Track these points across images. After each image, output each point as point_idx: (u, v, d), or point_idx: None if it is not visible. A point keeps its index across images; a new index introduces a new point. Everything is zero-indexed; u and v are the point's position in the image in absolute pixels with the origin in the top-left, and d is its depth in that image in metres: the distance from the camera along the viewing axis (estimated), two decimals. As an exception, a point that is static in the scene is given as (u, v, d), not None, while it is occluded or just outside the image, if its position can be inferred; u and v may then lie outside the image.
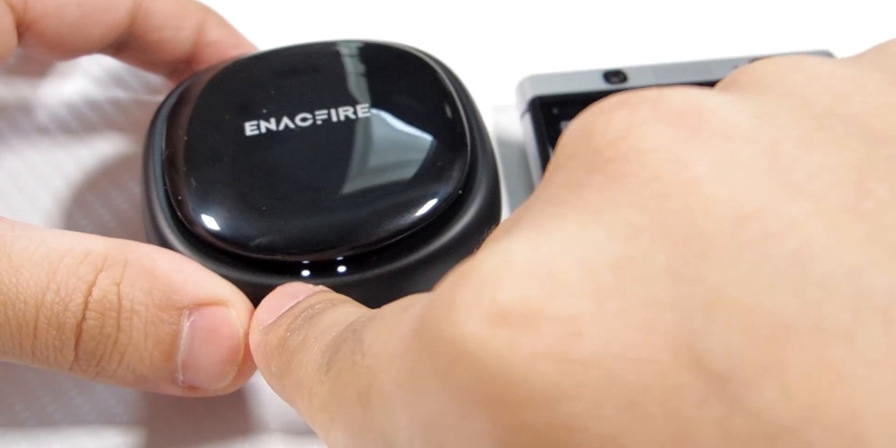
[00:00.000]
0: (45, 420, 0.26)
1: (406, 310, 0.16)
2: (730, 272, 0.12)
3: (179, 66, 0.31)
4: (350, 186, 0.25)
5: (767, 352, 0.11)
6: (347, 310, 0.21)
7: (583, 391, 0.12)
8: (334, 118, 0.26)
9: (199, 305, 0.23)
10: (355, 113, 0.26)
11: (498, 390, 0.12)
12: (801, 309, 0.11)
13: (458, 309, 0.13)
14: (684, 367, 0.12)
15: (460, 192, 0.25)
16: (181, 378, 0.23)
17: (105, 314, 0.22)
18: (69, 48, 0.28)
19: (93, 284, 0.22)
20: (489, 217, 0.26)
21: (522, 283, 0.13)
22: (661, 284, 0.12)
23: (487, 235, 0.26)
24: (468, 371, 0.13)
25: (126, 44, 0.29)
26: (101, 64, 0.35)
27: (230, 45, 0.30)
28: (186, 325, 0.22)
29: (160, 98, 0.33)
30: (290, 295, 0.23)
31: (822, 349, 0.11)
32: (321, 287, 0.23)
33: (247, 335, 0.23)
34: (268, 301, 0.23)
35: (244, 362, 0.23)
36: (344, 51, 0.29)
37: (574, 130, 0.15)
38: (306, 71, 0.28)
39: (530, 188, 0.31)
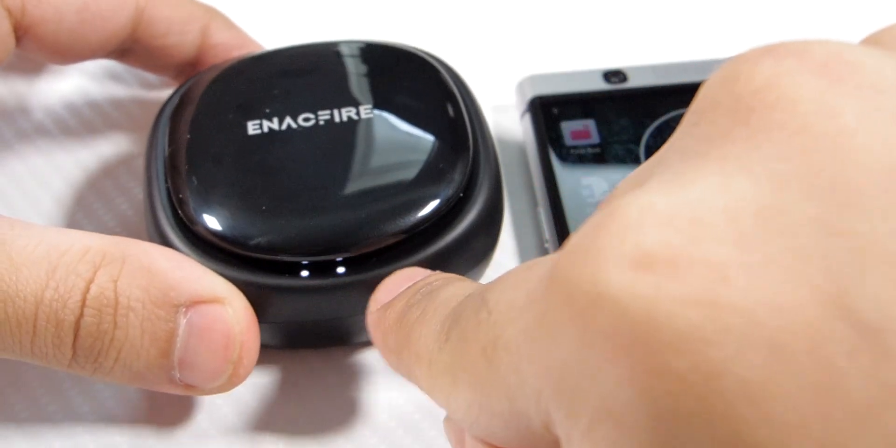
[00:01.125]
0: (44, 419, 0.26)
1: (531, 267, 0.16)
2: (882, 224, 0.12)
3: (185, 69, 0.31)
4: (351, 187, 0.25)
5: None
6: (465, 284, 0.20)
7: (728, 336, 0.12)
8: (337, 119, 0.26)
9: (195, 303, 0.23)
10: (358, 114, 0.26)
11: (641, 334, 0.12)
12: None
13: (598, 253, 0.13)
14: (835, 317, 0.12)
15: (461, 194, 0.25)
16: (178, 376, 0.23)
17: (102, 311, 0.22)
18: (68, 53, 0.28)
19: (91, 281, 0.22)
20: (490, 219, 0.26)
21: (666, 229, 0.13)
22: (809, 235, 0.12)
23: (489, 237, 0.26)
24: (610, 315, 0.13)
25: (130, 50, 0.29)
26: (100, 63, 0.35)
27: (235, 46, 0.30)
28: (183, 322, 0.23)
29: (161, 97, 0.33)
30: (407, 277, 0.22)
31: None
32: (437, 271, 0.23)
33: (242, 333, 0.23)
34: (385, 283, 0.23)
35: (239, 361, 0.23)
36: (347, 51, 0.29)
37: (716, 79, 0.15)
38: (309, 71, 0.28)
39: (530, 188, 0.31)
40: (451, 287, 0.20)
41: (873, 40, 0.16)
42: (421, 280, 0.22)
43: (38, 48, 0.27)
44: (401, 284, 0.22)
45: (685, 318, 0.12)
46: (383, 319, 0.21)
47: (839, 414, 0.11)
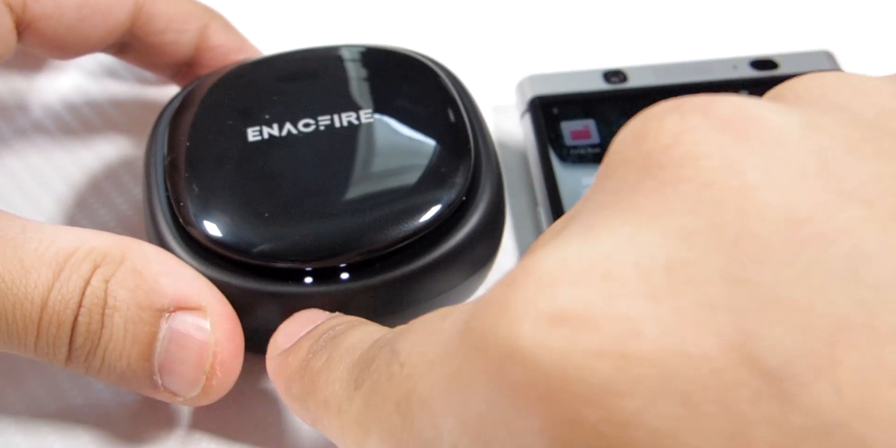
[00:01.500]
0: (44, 419, 0.26)
1: (444, 318, 0.16)
2: (784, 273, 0.12)
3: (182, 69, 0.31)
4: (353, 193, 0.25)
5: (821, 351, 0.12)
6: (369, 329, 0.21)
7: (640, 387, 0.12)
8: (337, 124, 0.26)
9: (177, 308, 0.23)
10: (358, 118, 0.26)
11: (555, 386, 0.13)
12: (854, 310, 0.12)
13: (513, 308, 0.14)
14: (739, 366, 0.12)
15: (464, 198, 0.25)
16: (159, 381, 0.23)
17: (93, 310, 0.22)
18: (68, 48, 0.28)
19: (89, 281, 0.22)
20: (493, 223, 0.26)
21: (578, 285, 0.13)
22: (715, 286, 0.13)
23: (491, 242, 0.26)
24: (523, 368, 0.13)
25: (128, 45, 0.30)
26: (100, 62, 0.35)
27: (233, 49, 0.30)
28: (165, 327, 0.22)
29: (161, 96, 0.33)
30: (308, 320, 0.23)
31: (875, 349, 0.11)
32: (337, 313, 0.23)
33: (217, 343, 0.23)
34: (284, 326, 0.23)
35: (212, 372, 0.23)
36: (347, 56, 0.29)
37: (625, 136, 0.16)
38: (309, 76, 0.28)
39: (531, 189, 0.31)
40: (356, 332, 0.20)
41: (775, 95, 0.16)
42: (323, 323, 0.22)
43: (38, 43, 0.28)
44: (301, 327, 0.22)
45: (597, 370, 0.12)
46: (285, 366, 0.21)
47: None
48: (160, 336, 0.22)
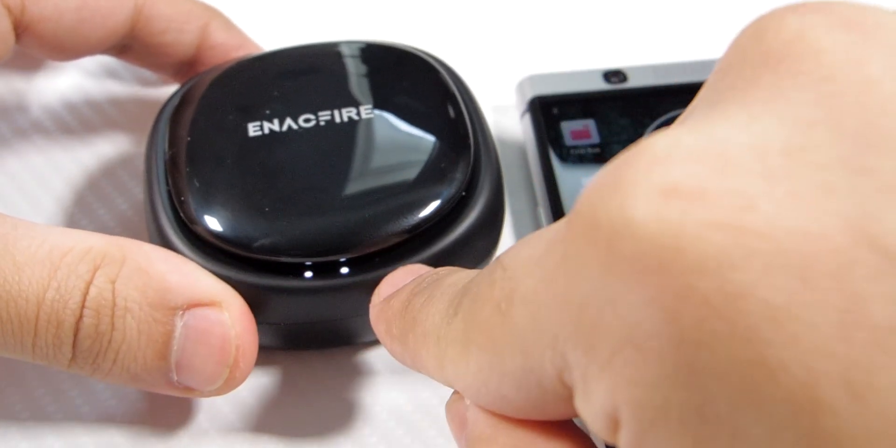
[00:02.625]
0: (44, 419, 0.26)
1: (546, 229, 0.16)
2: None
3: (183, 68, 0.31)
4: (353, 187, 0.25)
5: None
6: (472, 271, 0.20)
7: (754, 260, 0.12)
8: (337, 119, 0.26)
9: (192, 306, 0.23)
10: (358, 114, 0.26)
11: (666, 257, 0.13)
12: None
13: (624, 184, 0.13)
14: (858, 244, 0.12)
15: (463, 193, 0.25)
16: (175, 378, 0.23)
17: (100, 312, 0.22)
18: (67, 50, 0.28)
19: (90, 282, 0.22)
20: (492, 218, 0.26)
21: (693, 162, 0.13)
22: (834, 172, 0.13)
23: (490, 236, 0.26)
24: (635, 239, 0.13)
25: (128, 46, 0.29)
26: (100, 61, 0.35)
27: (234, 47, 0.30)
28: (180, 324, 0.23)
29: (161, 96, 0.33)
30: (411, 271, 0.22)
31: None
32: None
33: (238, 337, 0.23)
34: (388, 278, 0.23)
35: (236, 365, 0.23)
36: (347, 52, 0.29)
37: (743, 36, 0.16)
38: (309, 72, 0.28)
39: (530, 188, 0.31)
40: (458, 273, 0.20)
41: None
42: (426, 272, 0.22)
43: (37, 45, 0.28)
44: (405, 278, 0.22)
45: (711, 242, 0.12)
46: (387, 309, 0.21)
47: (861, 335, 0.12)
48: (176, 334, 0.22)
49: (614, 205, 0.13)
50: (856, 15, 0.15)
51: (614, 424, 0.14)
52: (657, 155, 0.14)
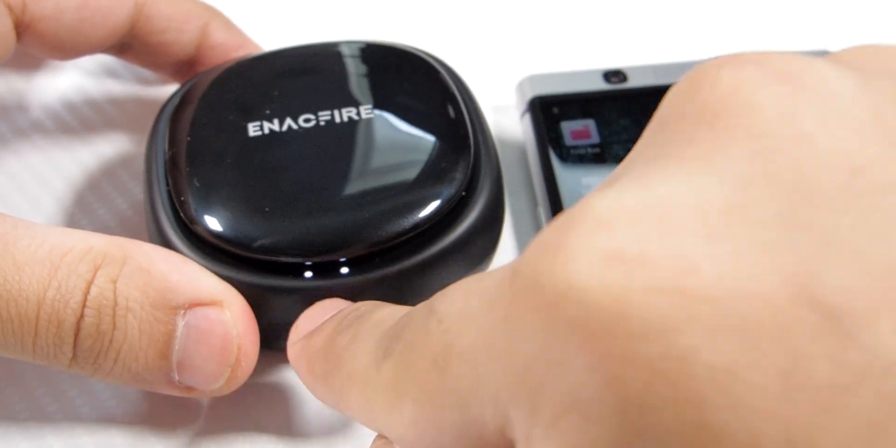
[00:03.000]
0: (44, 419, 0.26)
1: (483, 279, 0.16)
2: (842, 219, 0.13)
3: (183, 68, 0.31)
4: (353, 187, 0.25)
5: (882, 292, 0.12)
6: (396, 307, 0.20)
7: (697, 324, 0.12)
8: (337, 119, 0.26)
9: (193, 305, 0.23)
10: (358, 114, 0.26)
11: (611, 322, 0.13)
12: None
13: (569, 248, 0.13)
14: (799, 304, 0.12)
15: (463, 193, 0.25)
16: (177, 378, 0.23)
17: (101, 311, 0.22)
18: (68, 50, 0.28)
19: (91, 282, 0.22)
20: (492, 218, 0.26)
21: (636, 225, 0.13)
22: (773, 229, 0.13)
23: (490, 236, 0.26)
24: (578, 304, 0.13)
25: (128, 45, 0.30)
26: (99, 61, 0.35)
27: (234, 47, 0.30)
28: (181, 324, 0.23)
29: (160, 96, 0.33)
30: (331, 306, 0.22)
31: None
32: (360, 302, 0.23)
33: (240, 336, 0.23)
34: (307, 313, 0.23)
35: (237, 364, 0.23)
36: (347, 52, 0.29)
37: (679, 89, 0.16)
38: (309, 72, 0.28)
39: (530, 188, 0.31)
40: (382, 310, 0.20)
41: (833, 59, 0.17)
42: (346, 308, 0.22)
43: (38, 44, 0.28)
44: (324, 314, 0.22)
45: (655, 307, 0.12)
46: (308, 347, 0.21)
47: (804, 396, 0.12)
48: (177, 334, 0.22)
49: (557, 269, 0.13)
50: (790, 67, 0.15)
51: None
52: (600, 218, 0.14)
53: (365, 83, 0.28)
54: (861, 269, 0.12)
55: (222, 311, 0.23)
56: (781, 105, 0.14)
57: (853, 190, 0.13)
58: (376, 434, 0.20)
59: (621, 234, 0.13)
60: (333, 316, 0.21)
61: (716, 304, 0.12)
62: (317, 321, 0.22)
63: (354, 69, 0.28)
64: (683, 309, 0.12)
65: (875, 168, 0.13)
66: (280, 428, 0.26)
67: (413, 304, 0.25)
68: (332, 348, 0.20)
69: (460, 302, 0.16)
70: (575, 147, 0.30)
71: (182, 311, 0.23)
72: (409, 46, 0.29)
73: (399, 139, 0.26)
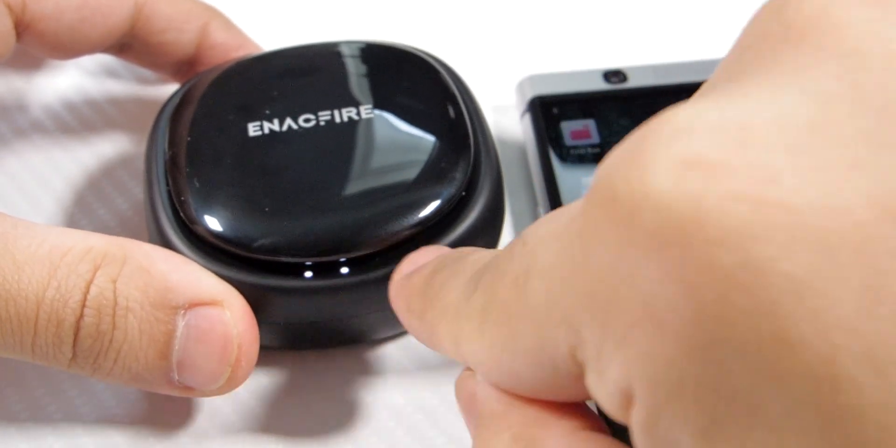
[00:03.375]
0: (44, 419, 0.26)
1: (570, 205, 0.16)
2: None
3: (183, 68, 0.31)
4: (353, 188, 0.25)
5: None
6: (494, 250, 0.20)
7: (776, 234, 0.12)
8: (337, 119, 0.26)
9: (193, 305, 0.23)
10: (358, 114, 0.26)
11: (687, 229, 0.12)
12: None
13: (646, 155, 0.13)
14: (883, 221, 0.12)
15: (463, 193, 0.25)
16: (176, 378, 0.23)
17: (101, 311, 0.22)
18: (68, 49, 0.28)
19: (91, 282, 0.22)
20: (492, 218, 0.26)
21: (716, 134, 0.13)
22: (859, 147, 0.13)
23: (490, 236, 0.26)
24: (655, 211, 0.13)
25: (128, 45, 0.30)
26: (99, 61, 0.35)
27: (234, 47, 0.30)
28: (181, 324, 0.23)
29: (160, 95, 0.33)
30: (434, 250, 0.22)
31: None
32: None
33: (240, 336, 0.23)
34: (410, 256, 0.22)
35: (237, 364, 0.23)
36: (347, 52, 0.29)
37: (764, 10, 0.16)
38: (309, 72, 0.28)
39: (530, 188, 0.31)
40: (481, 252, 0.20)
41: None
42: (448, 252, 0.22)
43: (38, 44, 0.28)
44: (427, 257, 0.22)
45: (734, 215, 0.12)
46: (407, 285, 0.21)
47: (884, 311, 0.11)
48: (177, 333, 0.22)
49: (634, 176, 0.13)
50: None
51: (627, 402, 0.14)
52: (678, 127, 0.13)
53: (365, 83, 0.28)
54: None
55: (223, 311, 0.23)
56: (869, 26, 0.14)
57: None
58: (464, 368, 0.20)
59: (701, 142, 0.13)
60: (435, 258, 0.21)
61: (797, 215, 0.12)
62: (419, 264, 0.22)
63: (354, 69, 0.28)
64: (763, 218, 0.12)
65: None
66: (280, 428, 0.26)
67: None
68: (429, 286, 0.20)
69: (546, 225, 0.16)
70: (575, 147, 0.30)
71: (182, 311, 0.23)
72: (409, 46, 0.29)
73: (399, 139, 0.26)
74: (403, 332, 0.27)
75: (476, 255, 0.20)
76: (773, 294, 0.12)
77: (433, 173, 0.25)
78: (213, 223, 0.24)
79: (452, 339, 0.18)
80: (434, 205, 0.24)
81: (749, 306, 0.12)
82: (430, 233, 0.25)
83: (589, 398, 0.16)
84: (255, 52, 0.30)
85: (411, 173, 0.25)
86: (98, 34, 0.28)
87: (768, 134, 0.13)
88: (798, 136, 0.13)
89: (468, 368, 0.19)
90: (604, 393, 0.14)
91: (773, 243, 0.12)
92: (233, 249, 0.24)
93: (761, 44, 0.15)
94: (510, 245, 0.17)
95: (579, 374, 0.15)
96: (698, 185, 0.12)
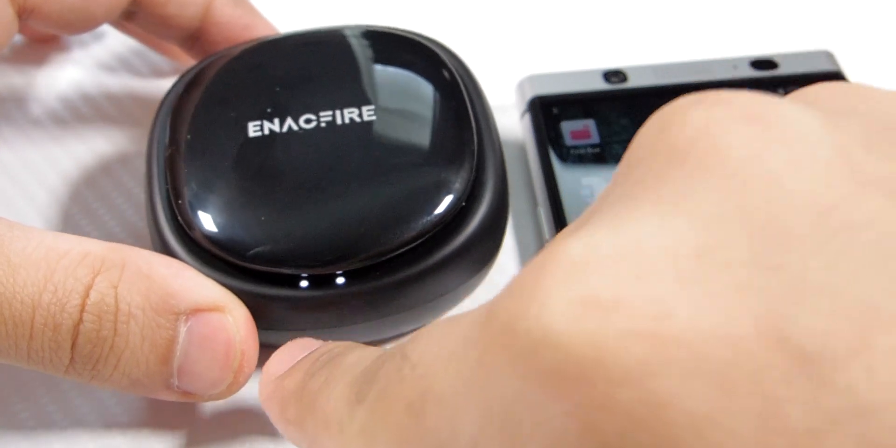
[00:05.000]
0: (45, 421, 0.26)
1: (455, 321, 0.16)
2: (814, 259, 0.13)
3: (188, 41, 0.30)
4: (353, 195, 0.24)
5: (854, 334, 0.12)
6: (369, 349, 0.20)
7: (673, 369, 0.12)
8: (339, 121, 0.26)
9: (195, 311, 0.23)
10: (360, 115, 0.26)
11: (586, 369, 0.13)
12: (885, 297, 0.12)
13: (543, 294, 0.13)
14: (773, 347, 0.12)
15: (464, 204, 0.25)
16: (176, 383, 0.23)
17: (102, 317, 0.22)
18: (74, 26, 0.28)
19: (90, 286, 0.22)
20: (494, 227, 0.25)
21: (609, 270, 0.13)
22: (745, 271, 0.13)
23: (492, 245, 0.26)
24: (554, 351, 0.13)
25: (133, 14, 0.29)
26: (97, 58, 0.35)
27: (241, 25, 0.30)
28: (183, 330, 0.22)
29: (158, 93, 0.33)
30: (302, 346, 0.22)
31: None
32: (331, 341, 0.23)
33: (243, 341, 0.23)
34: (277, 354, 0.22)
35: (240, 369, 0.23)
36: (353, 41, 0.28)
37: (648, 130, 0.16)
38: (313, 65, 0.28)
39: (530, 188, 0.31)
40: (356, 351, 0.20)
41: (799, 98, 0.17)
42: (318, 348, 0.22)
43: (44, 25, 0.28)
44: (295, 355, 0.22)
45: (630, 352, 0.12)
46: (280, 390, 0.21)
47: (780, 441, 0.11)
48: (179, 339, 0.22)
49: (532, 314, 0.13)
50: (757, 107, 0.15)
51: None
52: (573, 262, 0.14)
53: (369, 79, 0.27)
54: (833, 310, 0.12)
55: (225, 317, 0.23)
56: (749, 146, 0.14)
57: (823, 230, 0.13)
58: None
59: (595, 278, 0.13)
60: (305, 357, 0.21)
61: (690, 348, 0.12)
62: (287, 363, 0.22)
63: (359, 63, 0.27)
64: (659, 353, 0.12)
65: (843, 208, 0.13)
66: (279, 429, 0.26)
67: (412, 313, 0.25)
68: (304, 391, 0.20)
69: (434, 346, 0.16)
70: (575, 147, 0.30)
71: (184, 317, 0.22)
72: (412, 33, 0.29)
73: (400, 145, 0.25)
74: (396, 338, 0.27)
75: (352, 357, 0.20)
76: (674, 430, 0.12)
77: (434, 182, 0.24)
78: (210, 231, 0.24)
79: None
80: (433, 215, 0.24)
81: (650, 443, 0.12)
82: (430, 242, 0.24)
83: None
84: (264, 32, 0.30)
85: (413, 181, 0.24)
86: (103, 9, 0.28)
87: (659, 265, 0.13)
88: (687, 264, 0.13)
89: None
90: None
91: (670, 379, 0.12)
92: (230, 258, 0.24)
93: (648, 162, 0.15)
94: (394, 362, 0.17)
95: None
96: (595, 323, 0.13)
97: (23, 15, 0.27)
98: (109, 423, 0.26)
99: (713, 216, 0.14)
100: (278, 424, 0.21)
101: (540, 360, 0.13)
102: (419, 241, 0.24)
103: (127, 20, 0.30)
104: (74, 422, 0.26)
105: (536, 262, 0.14)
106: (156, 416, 0.26)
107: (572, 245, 0.14)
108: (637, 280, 0.13)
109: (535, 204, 0.31)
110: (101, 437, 0.26)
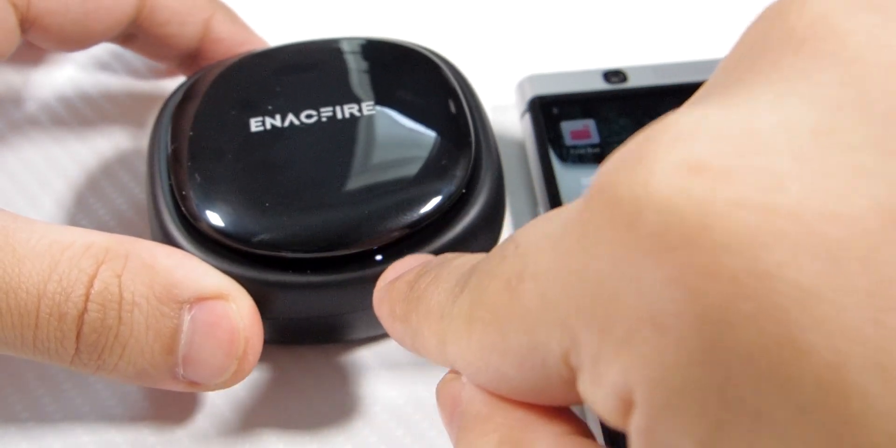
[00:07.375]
0: (43, 419, 0.26)
1: (562, 208, 0.16)
2: None
3: (187, 60, 0.31)
4: (353, 184, 0.25)
5: None
6: (480, 254, 0.20)
7: (783, 241, 0.12)
8: (339, 115, 0.26)
9: (199, 299, 0.23)
10: (360, 110, 0.27)
11: (693, 233, 0.12)
12: None
13: (648, 159, 0.13)
14: (888, 228, 0.12)
15: (464, 190, 0.25)
16: (181, 372, 0.23)
17: (107, 306, 0.22)
18: (74, 42, 0.28)
19: (94, 276, 0.22)
20: (492, 216, 0.26)
21: (720, 139, 0.13)
22: (864, 154, 0.12)
23: (491, 233, 0.26)
24: (660, 215, 0.13)
25: (133, 35, 0.30)
26: (96, 58, 0.35)
27: (237, 42, 0.30)
28: (187, 318, 0.22)
29: (160, 93, 0.33)
30: (416, 258, 0.22)
31: None
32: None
33: (247, 329, 0.23)
34: (395, 264, 0.22)
35: (244, 357, 0.23)
36: (349, 48, 0.29)
37: (766, 14, 0.15)
38: (312, 68, 0.28)
39: (530, 188, 0.31)
40: (466, 256, 0.20)
41: None
42: (433, 258, 0.22)
43: (44, 38, 0.28)
44: (411, 264, 0.22)
45: (741, 221, 0.12)
46: (391, 290, 0.21)
47: (890, 320, 0.11)
48: (184, 328, 0.22)
49: (638, 180, 0.13)
50: None
51: (626, 407, 0.13)
52: (682, 131, 0.13)
53: (367, 80, 0.28)
54: None
55: (228, 305, 0.23)
56: (871, 33, 0.14)
57: None
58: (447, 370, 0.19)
59: (705, 146, 0.13)
60: (420, 264, 0.21)
61: (803, 223, 0.12)
62: (401, 271, 0.22)
63: (356, 65, 0.28)
64: (770, 225, 0.12)
65: None
66: (281, 427, 0.26)
67: None
68: (413, 289, 0.20)
69: (539, 227, 0.16)
70: (575, 147, 0.30)
71: (188, 306, 0.23)
72: (412, 43, 0.29)
73: (400, 136, 0.26)
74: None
75: (461, 260, 0.20)
76: (780, 300, 0.12)
77: (433, 170, 0.25)
78: (214, 218, 0.24)
79: (438, 340, 0.18)
80: (435, 202, 0.25)
81: (756, 312, 0.12)
82: (430, 229, 0.25)
83: (576, 403, 0.16)
84: (258, 48, 0.30)
85: (411, 170, 0.25)
86: (103, 27, 0.28)
87: (773, 140, 0.13)
88: (803, 143, 0.13)
89: (452, 371, 0.19)
90: (600, 398, 0.14)
91: (780, 250, 0.12)
92: (232, 244, 0.24)
93: (762, 48, 0.15)
94: (500, 247, 0.17)
95: (570, 379, 0.15)
96: (704, 189, 0.12)
97: (24, 25, 0.27)
98: (108, 421, 0.26)
99: (832, 99, 0.13)
100: (385, 322, 0.21)
101: (643, 225, 0.13)
102: (422, 227, 0.24)
103: (125, 43, 0.30)
104: (73, 419, 0.26)
105: (643, 133, 0.14)
106: (154, 412, 0.26)
107: (682, 118, 0.13)
108: (749, 152, 0.13)
109: (534, 204, 0.31)
110: (99, 435, 0.26)
